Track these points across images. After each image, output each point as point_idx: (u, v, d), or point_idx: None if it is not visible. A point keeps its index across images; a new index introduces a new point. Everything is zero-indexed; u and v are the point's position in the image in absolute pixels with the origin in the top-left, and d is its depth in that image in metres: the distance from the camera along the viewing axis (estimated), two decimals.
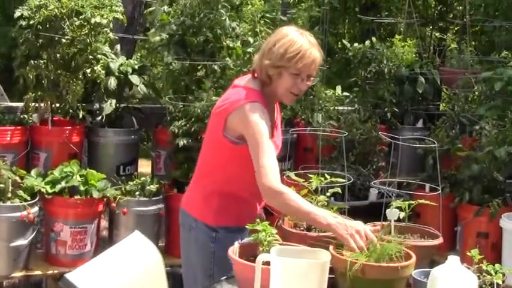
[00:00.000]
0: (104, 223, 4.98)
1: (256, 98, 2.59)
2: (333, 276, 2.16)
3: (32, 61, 4.75)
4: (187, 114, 4.74)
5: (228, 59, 4.96)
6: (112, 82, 5.03)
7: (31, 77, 4.75)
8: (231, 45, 5.02)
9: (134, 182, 4.74)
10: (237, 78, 2.84)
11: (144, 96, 5.47)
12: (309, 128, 5.36)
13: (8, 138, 4.70)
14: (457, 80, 6.11)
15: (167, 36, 4.96)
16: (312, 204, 2.47)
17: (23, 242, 4.29)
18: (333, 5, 6.14)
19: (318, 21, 5.81)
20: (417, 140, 5.35)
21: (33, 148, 4.90)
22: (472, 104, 5.90)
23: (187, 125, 4.67)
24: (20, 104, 5.20)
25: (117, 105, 5.24)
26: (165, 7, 5.11)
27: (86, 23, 4.74)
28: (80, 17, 4.72)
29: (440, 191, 3.69)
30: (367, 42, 6.43)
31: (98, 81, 4.94)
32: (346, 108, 6.25)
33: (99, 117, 5.19)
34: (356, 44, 6.54)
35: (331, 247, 2.22)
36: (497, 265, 2.24)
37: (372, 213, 3.42)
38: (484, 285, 2.20)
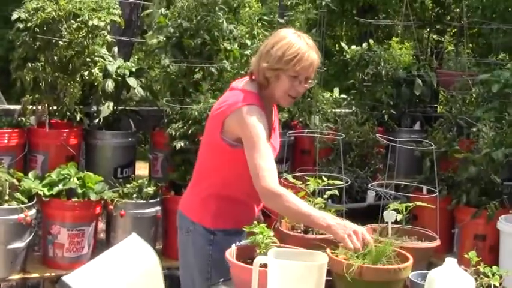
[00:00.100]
0: (101, 225, 4.98)
1: (254, 101, 2.59)
2: (330, 278, 2.16)
3: (29, 64, 4.76)
4: (184, 116, 4.74)
5: (225, 61, 4.96)
6: (109, 85, 5.03)
7: (28, 79, 4.76)
8: (228, 47, 5.02)
9: (131, 184, 4.75)
10: (235, 80, 2.84)
11: (141, 98, 5.48)
12: (306, 131, 5.37)
13: (6, 141, 4.70)
14: (454, 82, 6.12)
15: (164, 38, 4.96)
16: (311, 206, 2.47)
17: (20, 244, 4.29)
18: (330, 8, 6.14)
19: (315, 23, 5.83)
20: (414, 142, 5.36)
21: (30, 151, 4.90)
22: (470, 106, 5.91)
23: (185, 128, 4.67)
24: (18, 107, 5.20)
25: (115, 107, 5.24)
26: (163, 10, 5.12)
27: (83, 26, 4.75)
28: (78, 20, 4.73)
29: (437, 193, 3.68)
30: (365, 45, 6.45)
31: (96, 83, 4.94)
32: (343, 110, 6.25)
33: (97, 120, 5.19)
34: (353, 47, 6.55)
35: (328, 249, 2.22)
36: (494, 267, 2.24)
37: (370, 215, 3.42)
38: None
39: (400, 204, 2.57)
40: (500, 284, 2.21)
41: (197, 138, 4.53)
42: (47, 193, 4.41)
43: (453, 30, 9.82)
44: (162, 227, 4.87)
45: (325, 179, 2.80)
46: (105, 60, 5.05)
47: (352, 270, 2.05)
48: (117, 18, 4.93)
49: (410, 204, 2.61)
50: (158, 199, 4.72)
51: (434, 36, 10.13)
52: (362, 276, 2.07)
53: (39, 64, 4.77)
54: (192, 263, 2.73)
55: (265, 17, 5.51)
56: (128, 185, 4.74)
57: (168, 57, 4.90)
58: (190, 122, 4.67)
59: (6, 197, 4.27)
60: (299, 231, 2.62)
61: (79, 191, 4.46)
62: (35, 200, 4.41)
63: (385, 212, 2.56)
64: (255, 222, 2.36)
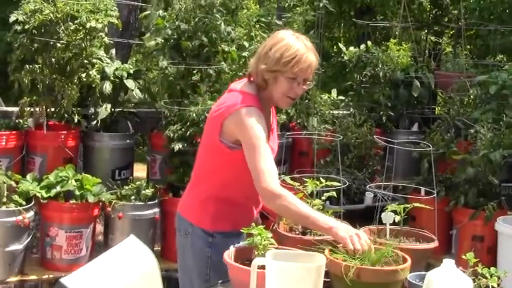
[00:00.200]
0: (100, 227, 4.97)
1: (252, 102, 2.59)
2: (329, 279, 2.16)
3: (27, 65, 4.75)
4: (182, 118, 4.73)
5: (223, 63, 4.96)
6: (107, 86, 5.02)
7: (26, 81, 4.75)
8: (226, 49, 5.02)
9: (129, 186, 4.74)
10: (233, 82, 2.84)
11: (139, 100, 5.47)
12: (304, 132, 5.37)
13: (3, 143, 4.69)
14: (452, 83, 6.13)
15: (162, 40, 4.96)
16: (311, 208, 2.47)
17: (18, 246, 4.28)
18: (328, 9, 6.14)
19: (313, 25, 5.82)
20: (412, 144, 5.36)
21: (28, 153, 4.89)
22: (467, 107, 5.91)
23: (183, 129, 4.67)
24: (15, 109, 5.19)
25: (113, 109, 5.23)
26: (161, 11, 5.11)
27: (81, 28, 4.74)
28: (75, 22, 4.72)
29: (435, 195, 3.69)
30: (363, 46, 6.45)
31: (93, 85, 4.93)
32: (341, 112, 6.25)
33: (95, 122, 5.17)
34: (351, 48, 6.55)
35: (326, 250, 2.22)
36: (492, 268, 2.24)
37: (368, 216, 3.42)
38: None
39: (398, 206, 2.58)
40: (498, 285, 2.22)
41: (195, 140, 4.53)
42: (45, 195, 4.41)
43: (451, 32, 9.84)
44: (161, 229, 4.87)
45: (323, 180, 2.81)
46: (103, 62, 5.05)
47: (350, 272, 2.06)
48: (115, 20, 4.93)
49: (408, 206, 2.61)
50: (156, 201, 4.72)
51: (432, 38, 10.15)
52: (360, 277, 2.07)
53: (37, 66, 4.76)
54: (191, 265, 2.73)
55: (263, 19, 5.50)
56: (126, 187, 4.73)
57: (166, 59, 4.89)
58: (188, 123, 4.67)
59: (4, 199, 4.27)
60: (297, 232, 2.62)
61: (77, 193, 4.46)
62: (33, 202, 4.41)
63: (383, 214, 2.56)
64: (253, 224, 2.36)
